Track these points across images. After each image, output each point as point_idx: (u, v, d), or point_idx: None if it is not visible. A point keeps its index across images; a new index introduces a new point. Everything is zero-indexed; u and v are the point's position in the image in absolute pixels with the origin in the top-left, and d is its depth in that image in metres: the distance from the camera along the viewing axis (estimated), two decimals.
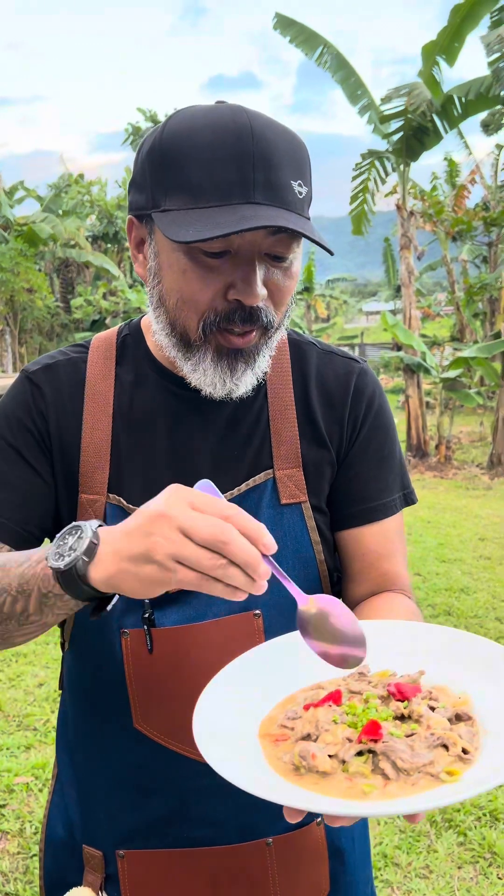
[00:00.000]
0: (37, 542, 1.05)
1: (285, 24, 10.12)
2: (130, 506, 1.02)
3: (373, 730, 0.78)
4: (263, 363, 1.00)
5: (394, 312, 20.25)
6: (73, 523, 0.83)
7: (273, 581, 1.03)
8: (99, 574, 0.79)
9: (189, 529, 0.73)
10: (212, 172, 0.88)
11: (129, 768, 1.06)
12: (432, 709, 0.82)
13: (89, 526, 0.81)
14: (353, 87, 10.21)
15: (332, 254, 0.94)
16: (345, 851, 1.12)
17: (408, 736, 0.79)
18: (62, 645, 1.13)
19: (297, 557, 1.05)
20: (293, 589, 0.82)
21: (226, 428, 1.06)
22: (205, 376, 0.97)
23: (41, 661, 4.37)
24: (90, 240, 20.93)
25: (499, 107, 9.93)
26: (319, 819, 1.09)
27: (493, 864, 2.65)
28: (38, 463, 1.04)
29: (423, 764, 0.75)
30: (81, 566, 0.79)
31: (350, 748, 0.77)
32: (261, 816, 1.05)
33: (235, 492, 1.04)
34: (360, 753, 0.78)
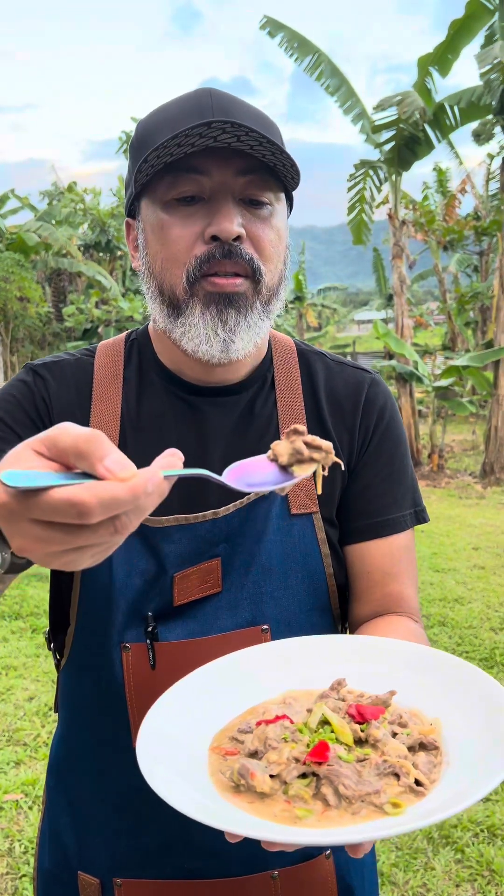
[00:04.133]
0: None
1: (275, 27, 10.12)
2: None
3: (320, 752, 0.73)
4: (260, 326, 0.96)
5: (385, 321, 20.30)
6: None
7: (280, 594, 0.99)
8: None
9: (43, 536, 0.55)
10: (173, 128, 0.90)
11: (128, 792, 1.01)
12: (395, 734, 0.77)
13: None
14: (345, 95, 10.24)
15: (295, 184, 0.97)
16: (354, 888, 1.07)
17: (359, 761, 0.74)
18: (57, 665, 1.09)
19: (306, 570, 1.01)
20: (213, 476, 0.69)
21: (235, 435, 1.03)
22: (195, 332, 0.94)
23: (31, 674, 4.30)
24: (82, 249, 20.89)
25: (490, 116, 9.97)
26: (328, 852, 1.04)
27: (492, 881, 2.60)
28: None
29: (368, 793, 0.70)
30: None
31: (293, 769, 0.73)
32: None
33: (245, 500, 1.00)
34: (304, 776, 0.73)
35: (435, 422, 11.55)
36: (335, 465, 1.04)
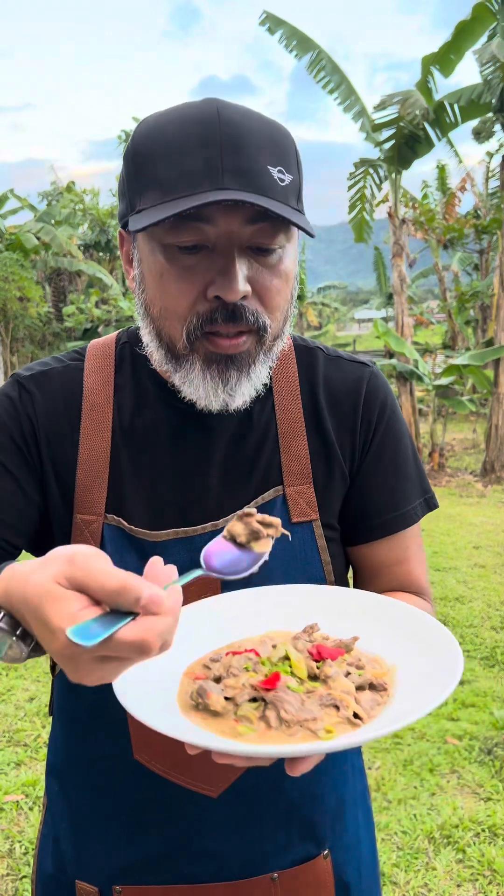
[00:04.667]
0: (9, 556, 0.98)
1: (274, 23, 10.08)
2: (132, 527, 0.96)
3: (271, 680, 0.80)
4: (262, 373, 0.93)
5: (386, 320, 20.29)
6: None
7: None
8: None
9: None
10: (178, 164, 0.83)
11: (128, 801, 1.00)
12: (348, 674, 0.83)
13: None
14: (345, 93, 10.22)
15: (312, 235, 0.88)
16: (350, 885, 1.07)
17: (308, 693, 0.80)
18: (52, 668, 1.08)
19: (307, 578, 1.00)
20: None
21: (232, 443, 1.01)
22: (195, 388, 0.91)
23: (32, 674, 4.30)
24: (82, 248, 20.90)
25: (490, 114, 9.96)
26: (326, 852, 1.04)
27: (493, 881, 2.59)
28: (18, 471, 0.97)
29: (306, 719, 0.76)
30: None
31: (245, 693, 0.80)
32: (266, 849, 1.00)
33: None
34: (254, 700, 0.80)
35: (435, 420, 11.54)
36: (335, 470, 1.03)
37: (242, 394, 0.92)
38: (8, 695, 4.05)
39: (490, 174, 16.42)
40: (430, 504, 1.10)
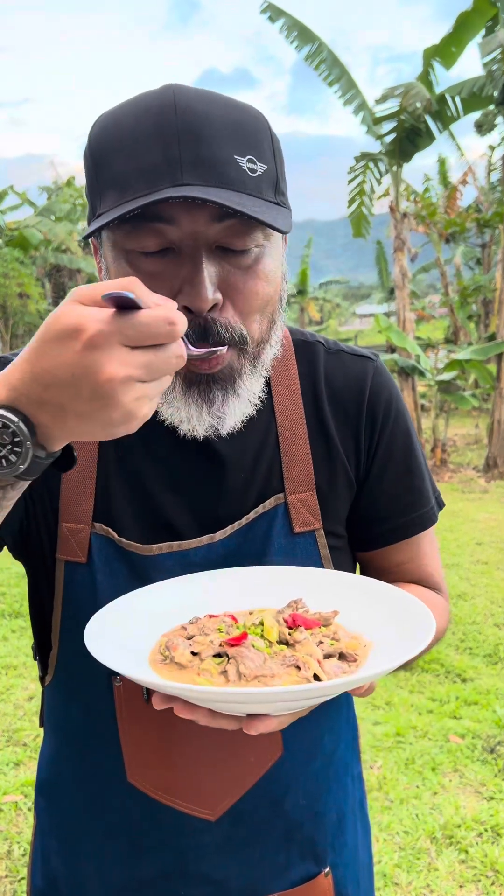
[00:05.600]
0: None
1: (275, 13, 9.99)
2: (121, 538, 0.91)
3: (238, 638, 0.80)
4: (253, 387, 0.85)
5: (387, 315, 20.24)
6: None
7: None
8: (53, 447, 0.64)
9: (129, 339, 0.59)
10: (135, 159, 0.74)
11: (122, 822, 0.96)
12: (320, 643, 0.83)
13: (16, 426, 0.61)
14: (346, 86, 10.16)
15: (284, 232, 0.78)
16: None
17: (274, 655, 0.80)
18: (41, 679, 1.02)
19: None
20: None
21: (230, 449, 0.94)
22: (177, 412, 0.83)
23: (31, 673, 4.28)
24: (82, 244, 20.82)
25: (491, 107, 9.89)
26: (327, 870, 1.01)
27: (496, 882, 2.57)
28: None
29: (264, 675, 0.77)
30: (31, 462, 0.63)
31: (210, 649, 0.81)
32: (266, 871, 0.96)
33: (244, 520, 0.93)
34: (219, 656, 0.80)
35: (437, 416, 11.50)
36: (340, 475, 0.98)
37: (233, 413, 0.84)
38: (7, 694, 4.03)
39: (492, 167, 16.33)
40: (440, 503, 1.06)
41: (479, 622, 4.86)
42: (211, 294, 0.77)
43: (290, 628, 0.84)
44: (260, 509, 0.93)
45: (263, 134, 0.80)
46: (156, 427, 0.93)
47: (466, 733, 3.49)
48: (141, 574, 0.91)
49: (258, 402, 0.87)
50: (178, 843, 0.94)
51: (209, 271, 0.77)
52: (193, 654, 0.81)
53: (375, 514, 1.00)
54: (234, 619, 0.87)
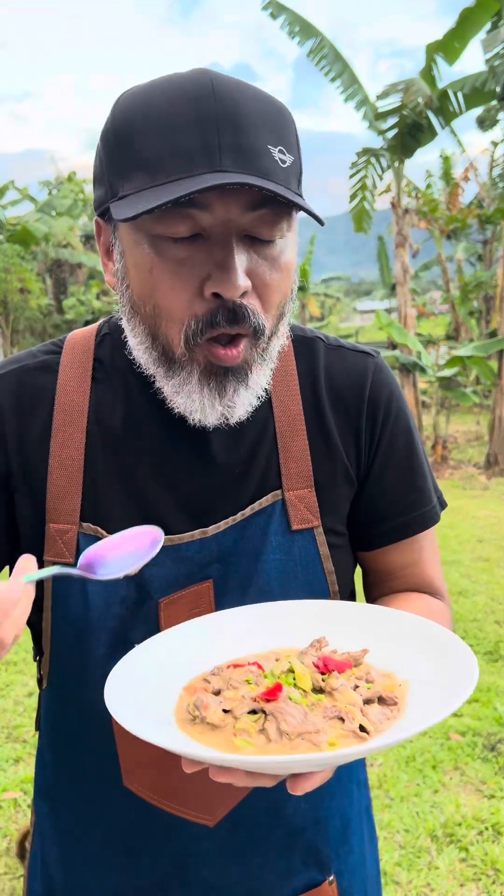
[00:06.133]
0: None
1: (277, 8, 9.93)
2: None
3: (272, 691, 0.75)
4: (261, 379, 0.85)
5: (388, 311, 20.19)
6: None
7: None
8: None
9: None
10: (169, 142, 0.73)
11: (119, 827, 0.94)
12: (356, 688, 0.78)
13: None
14: (348, 82, 10.11)
15: (322, 223, 0.80)
16: None
17: (312, 706, 0.75)
18: (39, 681, 1.00)
19: (308, 591, 0.93)
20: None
21: (226, 443, 0.92)
22: (191, 400, 0.83)
23: (31, 670, 4.27)
24: (83, 239, 20.80)
25: (494, 103, 9.85)
26: (332, 878, 0.99)
27: (497, 881, 2.56)
28: None
29: (308, 731, 0.72)
30: None
31: (245, 705, 0.76)
32: (267, 878, 0.94)
33: (239, 517, 0.91)
34: (254, 712, 0.76)
35: (438, 412, 11.48)
36: (339, 472, 0.96)
37: (243, 404, 0.84)
38: (7, 690, 4.02)
39: (494, 163, 16.29)
40: (442, 502, 1.05)
41: (479, 619, 4.85)
42: (242, 281, 0.76)
43: (323, 673, 0.79)
44: (256, 506, 0.92)
45: (291, 127, 0.80)
46: (147, 420, 0.92)
47: (467, 731, 3.48)
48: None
49: (263, 394, 0.87)
50: (176, 849, 0.93)
51: (240, 259, 0.77)
52: (225, 711, 0.76)
53: (375, 513, 0.99)
54: (259, 667, 0.82)
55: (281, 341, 0.87)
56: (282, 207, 0.76)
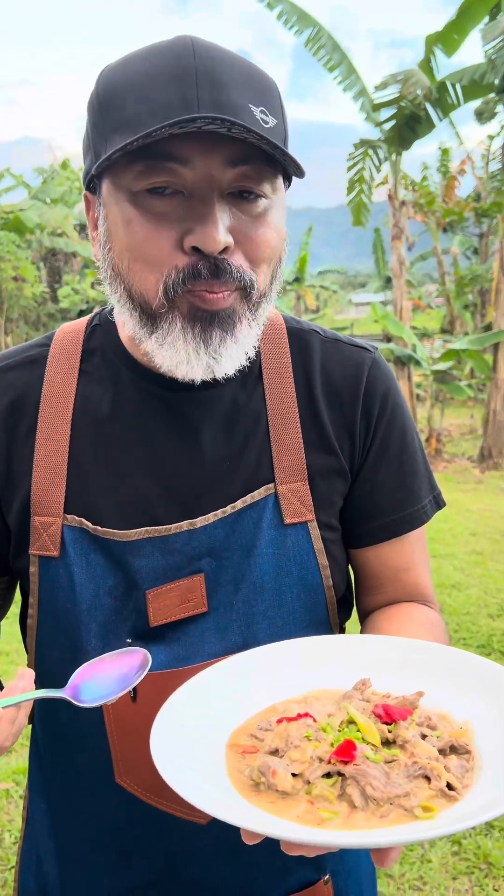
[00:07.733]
0: None
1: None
2: (97, 527, 0.88)
3: (346, 750, 0.69)
4: (249, 336, 0.82)
5: (384, 303, 20.17)
6: None
7: (273, 613, 0.91)
8: None
9: None
10: (149, 99, 0.73)
11: (111, 826, 0.93)
12: (424, 736, 0.73)
13: None
14: (346, 72, 10.05)
15: (302, 175, 0.80)
16: None
17: (387, 762, 0.70)
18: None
19: (302, 585, 0.91)
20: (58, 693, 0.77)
21: (217, 434, 0.91)
22: (175, 350, 0.80)
23: (24, 659, 4.24)
24: (77, 228, 20.67)
25: (492, 95, 9.81)
26: (327, 877, 0.97)
27: (489, 874, 2.56)
28: None
29: (397, 795, 0.66)
30: None
31: (317, 768, 0.69)
32: (261, 877, 0.93)
33: (230, 509, 0.89)
34: (328, 775, 0.69)
35: (433, 405, 11.49)
36: (333, 466, 0.94)
37: (230, 356, 0.81)
38: None
39: (491, 157, 16.24)
40: (439, 502, 1.03)
41: (472, 613, 4.86)
42: (223, 236, 0.75)
43: (386, 723, 0.74)
44: (248, 499, 0.90)
45: (274, 91, 0.81)
46: (137, 411, 0.91)
47: None
48: (119, 561, 0.88)
49: (252, 356, 0.85)
50: (167, 847, 0.92)
51: (221, 214, 0.76)
52: (293, 774, 0.70)
53: (366, 510, 0.98)
54: (313, 718, 0.76)
55: (271, 305, 0.86)
56: (263, 164, 0.76)
